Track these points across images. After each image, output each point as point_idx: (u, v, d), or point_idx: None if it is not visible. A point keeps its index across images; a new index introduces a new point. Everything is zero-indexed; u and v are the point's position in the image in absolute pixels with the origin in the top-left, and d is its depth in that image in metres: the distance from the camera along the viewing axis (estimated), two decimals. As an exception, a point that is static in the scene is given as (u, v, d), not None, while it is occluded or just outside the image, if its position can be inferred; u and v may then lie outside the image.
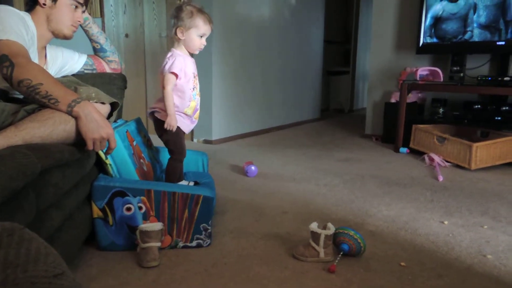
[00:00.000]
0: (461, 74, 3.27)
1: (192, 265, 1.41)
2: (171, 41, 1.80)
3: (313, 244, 1.48)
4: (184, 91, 1.76)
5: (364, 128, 4.12)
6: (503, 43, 3.03)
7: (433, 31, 3.32)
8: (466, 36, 3.18)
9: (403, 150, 3.31)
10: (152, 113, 1.80)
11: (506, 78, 3.03)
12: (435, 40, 3.33)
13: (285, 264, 1.44)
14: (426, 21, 3.34)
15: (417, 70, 3.41)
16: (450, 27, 3.24)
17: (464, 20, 3.17)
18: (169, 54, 1.75)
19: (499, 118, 3.05)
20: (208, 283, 1.30)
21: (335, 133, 4.31)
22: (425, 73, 3.43)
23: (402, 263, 1.46)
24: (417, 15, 3.44)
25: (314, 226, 1.50)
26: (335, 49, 6.49)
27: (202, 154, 2.07)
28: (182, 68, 1.73)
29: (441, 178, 2.55)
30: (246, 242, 1.61)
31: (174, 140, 1.78)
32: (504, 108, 3.06)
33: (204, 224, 1.53)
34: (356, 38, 6.39)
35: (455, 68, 3.31)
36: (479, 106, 3.17)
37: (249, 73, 3.93)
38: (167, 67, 1.71)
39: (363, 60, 6.52)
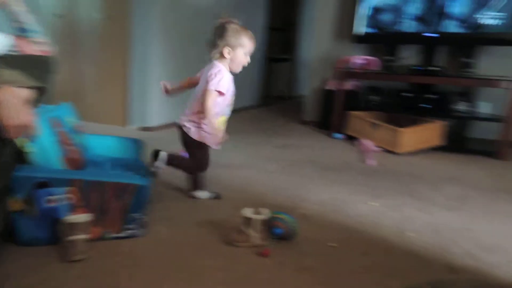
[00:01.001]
0: (394, 64, 3.43)
1: (122, 256, 1.38)
2: (211, 52, 1.76)
3: (246, 230, 1.50)
4: (221, 107, 1.77)
5: (303, 115, 4.21)
6: (432, 34, 3.20)
7: (369, 21, 3.43)
8: (400, 27, 3.32)
9: (339, 136, 3.43)
10: (180, 126, 1.81)
11: (433, 68, 3.22)
12: (373, 30, 3.44)
13: (219, 251, 1.45)
14: (364, 11, 3.44)
15: (354, 58, 3.52)
16: (386, 17, 3.37)
17: (399, 11, 3.31)
18: (217, 69, 1.72)
19: (427, 105, 3.24)
20: (137, 275, 1.27)
21: (275, 120, 4.37)
22: (361, 61, 3.55)
23: (333, 244, 1.52)
24: (355, 5, 3.53)
25: (247, 211, 1.52)
26: (278, 36, 6.53)
27: (135, 141, 2.01)
28: (228, 86, 1.73)
29: (372, 162, 2.67)
30: (179, 231, 1.59)
31: (201, 156, 1.83)
32: (431, 96, 3.26)
33: (136, 214, 1.49)
34: (298, 25, 6.48)
35: (388, 58, 3.46)
36: (409, 94, 3.34)
37: (189, 57, 3.86)
38: (214, 83, 1.68)
39: (304, 47, 6.62)
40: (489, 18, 3.00)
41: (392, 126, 2.97)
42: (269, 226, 1.53)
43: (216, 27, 1.73)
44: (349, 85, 3.64)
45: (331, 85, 3.71)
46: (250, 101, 5.14)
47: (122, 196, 1.46)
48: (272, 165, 2.57)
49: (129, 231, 1.50)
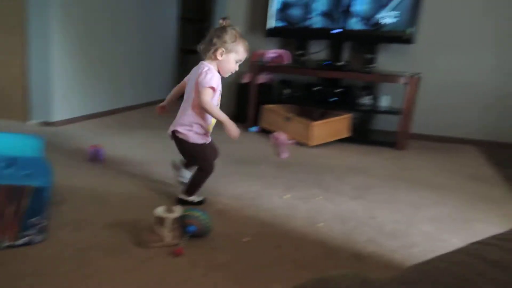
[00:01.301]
0: (304, 58, 3.55)
1: (20, 266, 1.26)
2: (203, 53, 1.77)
3: (159, 229, 1.45)
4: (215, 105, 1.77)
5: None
6: (338, 31, 3.36)
7: (280, 15, 3.50)
8: (309, 23, 3.44)
9: (254, 129, 3.47)
10: (173, 133, 1.80)
11: (340, 63, 3.39)
12: (283, 24, 3.52)
13: (129, 253, 1.38)
14: (274, 5, 3.50)
15: (266, 52, 3.58)
16: (296, 12, 3.46)
17: (307, 7, 3.42)
18: (205, 68, 1.72)
19: (334, 99, 3.40)
20: (40, 284, 1.17)
21: (191, 113, 4.29)
22: (273, 55, 3.62)
23: (246, 239, 1.53)
24: (266, -1, 3.59)
25: (159, 210, 1.47)
26: (192, 27, 6.41)
27: (34, 138, 1.84)
28: (218, 84, 1.72)
29: (285, 155, 2.74)
30: (86, 234, 1.50)
31: (203, 156, 1.82)
32: (338, 90, 3.43)
33: (35, 218, 1.36)
34: (213, 16, 6.41)
35: (299, 52, 3.57)
36: (318, 88, 3.49)
37: (95, 48, 3.63)
38: (206, 80, 1.68)
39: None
40: (386, 17, 3.23)
41: (303, 119, 3.08)
42: (182, 224, 1.50)
43: (217, 28, 1.76)
44: (263, 78, 3.69)
45: (246, 78, 3.74)
46: (163, 94, 4.96)
47: (16, 200, 1.33)
48: (187, 160, 2.52)
49: (27, 238, 1.37)
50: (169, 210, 1.49)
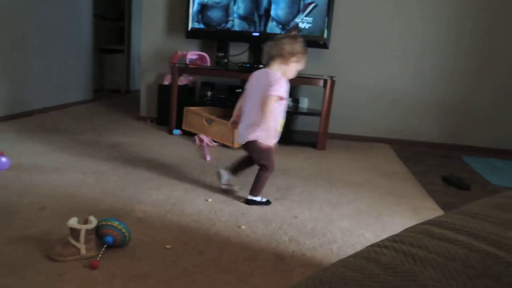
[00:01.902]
0: (225, 60, 3.55)
1: None
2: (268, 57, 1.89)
3: (73, 241, 1.36)
4: (281, 111, 1.89)
5: (140, 110, 4.05)
6: (257, 34, 3.42)
7: (200, 17, 3.47)
8: (228, 25, 3.45)
9: (176, 132, 3.40)
10: (247, 143, 1.90)
11: (260, 66, 3.44)
12: (202, 26, 3.49)
13: (39, 269, 1.27)
14: (193, 7, 3.46)
15: (187, 53, 3.52)
16: (215, 15, 3.45)
17: (226, 9, 3.43)
18: (276, 76, 1.83)
19: (256, 101, 3.45)
20: None
21: (109, 116, 4.10)
22: (194, 57, 3.58)
23: (168, 246, 1.49)
24: (185, 0, 3.53)
25: (73, 221, 1.38)
26: (109, 25, 6.13)
27: None
28: (286, 92, 1.83)
29: (208, 158, 2.72)
30: (-13, 251, 1.35)
31: (267, 156, 1.93)
32: (260, 92, 3.48)
33: None
34: (130, 15, 6.18)
35: (220, 54, 3.56)
36: (240, 90, 3.50)
37: (1, 45, 3.32)
38: (277, 89, 1.79)
39: (138, 39, 6.37)
40: (302, 22, 3.35)
41: (225, 121, 3.08)
42: (98, 235, 1.42)
43: (289, 36, 1.87)
44: (185, 80, 3.64)
45: (167, 80, 3.66)
46: (79, 95, 4.71)
47: None
48: (104, 166, 2.39)
49: None
50: (84, 221, 1.40)
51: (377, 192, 2.32)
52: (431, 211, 2.08)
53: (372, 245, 0.54)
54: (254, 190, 1.95)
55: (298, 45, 1.86)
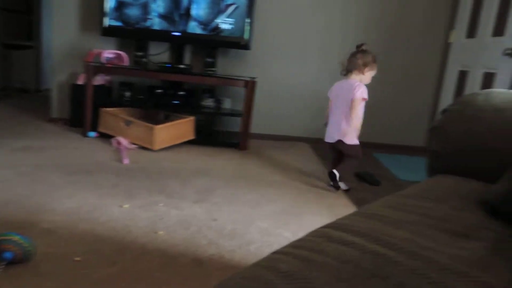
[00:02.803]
0: (145, 60, 3.44)
1: None
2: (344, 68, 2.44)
3: (-35, 260, 1.23)
4: (363, 111, 2.41)
5: (52, 111, 3.77)
6: (178, 33, 3.35)
7: (117, 14, 3.32)
8: (148, 24, 3.34)
9: (92, 134, 3.22)
10: (338, 142, 2.42)
11: (181, 66, 3.38)
12: (120, 23, 3.34)
13: None
14: (109, 3, 3.30)
15: (103, 52, 3.35)
16: (133, 12, 3.32)
17: (145, 7, 3.31)
18: (356, 82, 2.36)
19: (177, 101, 3.38)
20: None
21: (15, 117, 3.77)
22: (111, 56, 3.41)
23: (77, 258, 1.40)
24: (100, -4, 3.35)
25: (-36, 238, 1.24)
26: (17, 19, 5.64)
27: None
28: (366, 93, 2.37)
29: (126, 161, 2.61)
30: None
31: (356, 150, 2.45)
32: (181, 93, 3.42)
33: None
34: (40, 9, 5.74)
35: (139, 53, 3.44)
36: (161, 90, 3.42)
37: None
38: (361, 92, 2.33)
39: (49, 35, 5.94)
40: (224, 23, 3.35)
41: (145, 123, 2.98)
42: (-4, 251, 1.29)
43: (361, 51, 2.39)
44: (101, 80, 3.46)
45: (81, 80, 3.45)
46: (-19, 95, 4.28)
47: None
48: (7, 172, 2.19)
49: None
50: (-22, 236, 1.27)
51: (296, 191, 2.39)
52: (344, 207, 2.19)
53: (274, 252, 0.54)
54: (344, 177, 2.42)
55: (369, 57, 2.37)
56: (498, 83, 2.87)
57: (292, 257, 0.49)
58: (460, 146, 0.98)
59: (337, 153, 2.53)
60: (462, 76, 3.40)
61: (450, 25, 3.69)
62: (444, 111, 1.16)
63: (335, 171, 2.38)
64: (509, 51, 2.75)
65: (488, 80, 3.02)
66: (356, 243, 0.51)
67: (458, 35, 3.55)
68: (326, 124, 2.57)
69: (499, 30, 2.95)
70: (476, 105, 1.01)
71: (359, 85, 2.35)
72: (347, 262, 0.47)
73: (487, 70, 3.04)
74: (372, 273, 0.45)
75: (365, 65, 2.36)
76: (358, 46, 2.43)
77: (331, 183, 2.42)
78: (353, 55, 2.41)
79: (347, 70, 2.42)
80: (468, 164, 0.97)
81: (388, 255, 0.47)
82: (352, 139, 2.41)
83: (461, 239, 0.57)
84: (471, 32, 3.35)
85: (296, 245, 0.53)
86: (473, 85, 3.19)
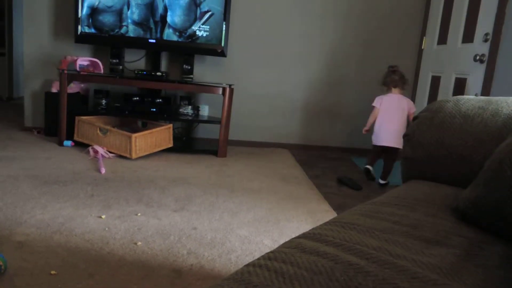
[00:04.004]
0: (120, 67, 3.40)
1: None
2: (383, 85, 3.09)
3: None
4: None
5: (25, 120, 3.69)
6: (153, 41, 3.33)
7: (90, 21, 3.28)
8: (122, 31, 3.31)
9: (67, 143, 3.16)
10: (393, 147, 2.91)
11: (158, 73, 3.36)
12: (93, 30, 3.30)
13: None
14: (82, 10, 3.26)
15: (77, 59, 3.30)
16: (107, 19, 3.29)
17: (119, 14, 3.28)
18: (405, 97, 3.01)
19: (155, 109, 3.36)
20: None
21: (-13, 127, 3.67)
22: (85, 63, 3.37)
23: (52, 272, 1.37)
24: (73, 2, 3.30)
25: None
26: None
27: None
28: None
29: (103, 170, 2.57)
30: None
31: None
32: (158, 100, 3.39)
33: None
34: (11, 14, 5.62)
35: (114, 61, 3.40)
36: (137, 98, 3.38)
37: None
38: (413, 107, 3.00)
39: (21, 41, 5.81)
40: (199, 30, 3.35)
41: (122, 131, 2.94)
42: (-34, 267, 1.26)
43: (398, 71, 3.01)
44: (76, 87, 3.40)
45: (55, 87, 3.39)
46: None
47: None
48: (-21, 185, 2.13)
49: None
50: None
51: (276, 197, 2.39)
52: (325, 213, 2.21)
53: (248, 265, 0.54)
54: (386, 177, 2.91)
55: (404, 76, 3.01)
56: (470, 88, 2.96)
57: (265, 269, 0.49)
58: (431, 153, 1.01)
59: (380, 153, 2.98)
60: (435, 81, 3.49)
61: (423, 32, 3.78)
62: (415, 118, 1.19)
63: (371, 168, 2.92)
64: (479, 57, 2.84)
65: (460, 85, 3.11)
66: (329, 253, 0.51)
67: (430, 42, 3.65)
68: (367, 131, 3.06)
69: (468, 37, 3.05)
70: (445, 112, 1.03)
71: (410, 100, 3.00)
72: (319, 273, 0.47)
73: (459, 76, 3.13)
74: (343, 284, 0.45)
75: (404, 83, 3.00)
76: (392, 66, 3.04)
77: (366, 177, 2.95)
78: (394, 73, 2.99)
79: (393, 85, 2.98)
80: (440, 170, 1.00)
81: (360, 265, 0.48)
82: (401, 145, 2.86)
83: (433, 246, 0.58)
84: (442, 39, 3.44)
85: (269, 256, 0.54)
86: (446, 90, 3.28)
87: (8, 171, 2.41)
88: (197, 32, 3.35)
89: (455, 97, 1.11)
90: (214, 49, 3.39)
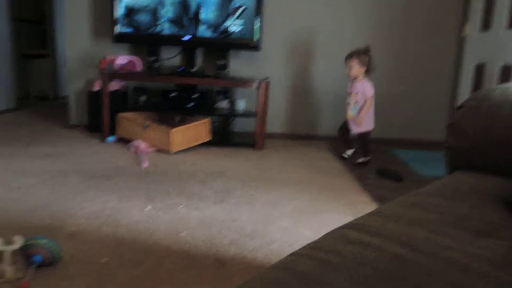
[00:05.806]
0: (157, 64, 3.48)
1: None
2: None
3: (-1, 265, 1.30)
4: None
5: (70, 118, 3.85)
6: (188, 38, 3.38)
7: (127, 20, 3.37)
8: (158, 29, 3.38)
9: (111, 139, 3.28)
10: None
11: (193, 69, 3.41)
12: (130, 30, 3.39)
13: (-42, 299, 1.18)
14: (119, 10, 3.35)
15: (116, 58, 3.41)
16: (143, 18, 3.37)
17: (154, 13, 3.36)
18: (368, 82, 2.97)
19: (192, 104, 3.42)
20: None
21: (36, 124, 3.87)
22: (124, 62, 3.46)
23: (104, 259, 1.44)
24: (110, 3, 3.40)
25: (-3, 244, 1.31)
26: (32, 29, 5.76)
27: None
28: None
29: (145, 164, 2.66)
30: None
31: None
32: (195, 96, 3.45)
33: None
34: (53, 18, 5.86)
35: (151, 58, 3.48)
36: (175, 94, 3.46)
37: None
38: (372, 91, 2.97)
39: (63, 43, 6.03)
40: (233, 25, 3.37)
41: (162, 126, 3.02)
42: (25, 255, 1.34)
43: (367, 51, 2.96)
44: (116, 85, 3.51)
45: (96, 86, 3.51)
46: (2, 104, 4.40)
47: None
48: (30, 179, 2.26)
49: None
50: (8, 242, 1.32)
51: (315, 189, 2.39)
52: (365, 204, 2.19)
53: (291, 254, 0.55)
54: (365, 154, 3.05)
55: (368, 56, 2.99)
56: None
57: (309, 259, 0.50)
58: (478, 142, 0.98)
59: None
60: (479, 70, 3.36)
61: (464, 18, 3.64)
62: (460, 107, 1.16)
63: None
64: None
65: (506, 73, 2.97)
66: (374, 244, 0.52)
67: (472, 28, 3.50)
68: None
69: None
70: (492, 100, 1.00)
71: (369, 85, 3.01)
72: (363, 264, 0.48)
73: (506, 64, 2.99)
74: (389, 275, 0.46)
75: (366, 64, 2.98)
76: (369, 50, 2.95)
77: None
78: (370, 57, 2.98)
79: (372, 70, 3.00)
80: (487, 160, 0.98)
81: (406, 256, 0.48)
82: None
83: (482, 238, 0.58)
84: (486, 24, 3.30)
85: (313, 246, 0.55)
86: (491, 79, 3.15)
87: (57, 166, 2.53)
88: (231, 28, 3.37)
89: (502, 84, 1.08)
90: (247, 43, 3.40)
